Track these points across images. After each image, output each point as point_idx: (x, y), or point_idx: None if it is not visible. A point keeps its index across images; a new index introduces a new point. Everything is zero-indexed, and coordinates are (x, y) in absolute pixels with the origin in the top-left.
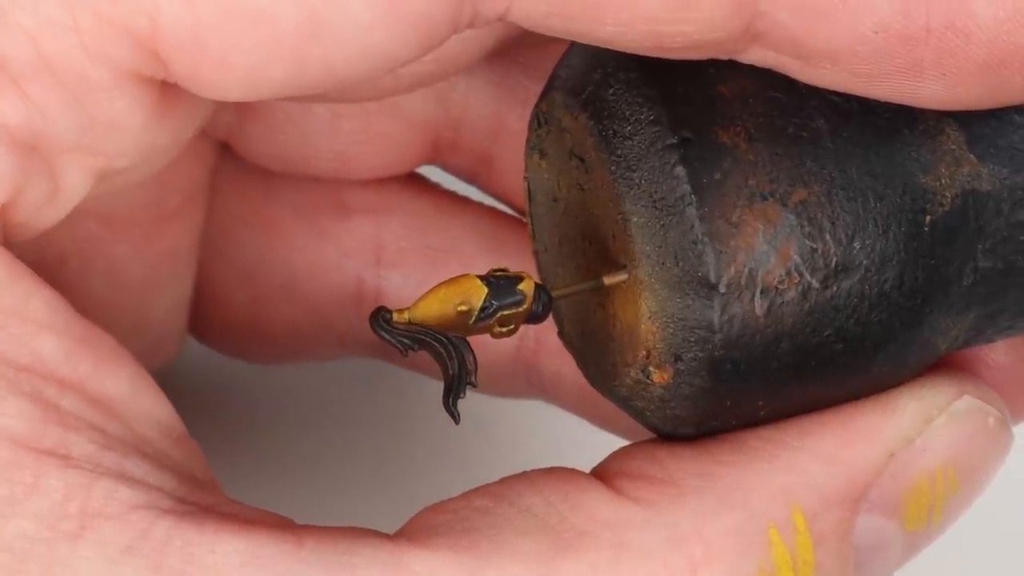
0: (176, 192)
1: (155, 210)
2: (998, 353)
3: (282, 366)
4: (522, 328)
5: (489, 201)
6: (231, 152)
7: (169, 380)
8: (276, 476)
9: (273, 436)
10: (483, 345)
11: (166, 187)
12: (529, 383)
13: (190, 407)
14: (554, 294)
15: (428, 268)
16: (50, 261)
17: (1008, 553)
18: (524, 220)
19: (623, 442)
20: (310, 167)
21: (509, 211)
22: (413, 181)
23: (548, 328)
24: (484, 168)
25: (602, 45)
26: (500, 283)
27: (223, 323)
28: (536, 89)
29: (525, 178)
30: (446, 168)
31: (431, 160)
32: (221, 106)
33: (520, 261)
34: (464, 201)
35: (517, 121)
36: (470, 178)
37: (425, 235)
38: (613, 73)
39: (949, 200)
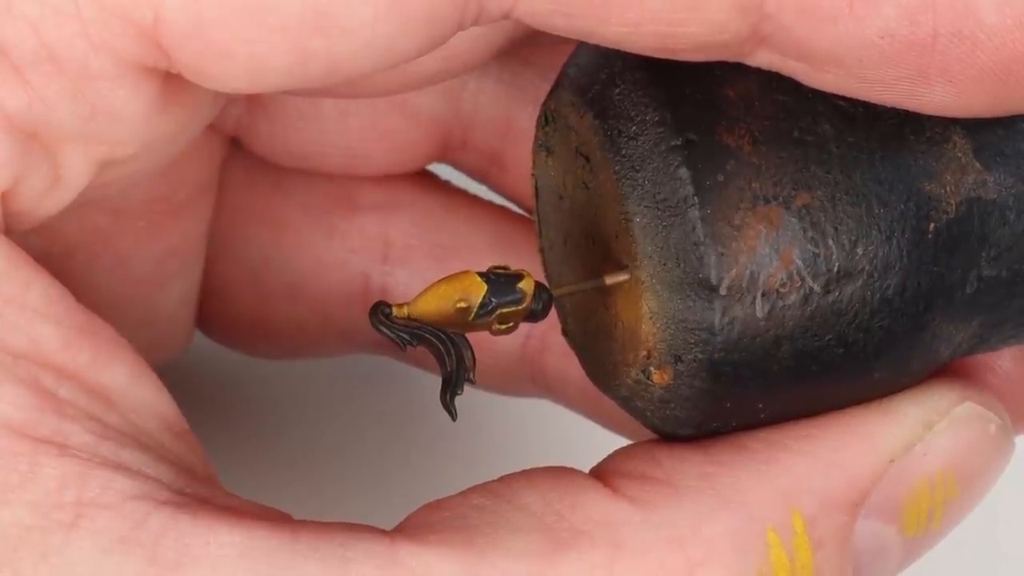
0: (185, 186)
1: (163, 204)
2: (1004, 361)
3: (285, 361)
4: (527, 327)
5: (499, 200)
6: (240, 147)
7: (172, 373)
8: (276, 471)
9: (274, 431)
10: (488, 343)
11: (175, 181)
12: (534, 382)
13: (192, 400)
14: (554, 293)
15: (435, 266)
16: (58, 254)
17: (1007, 558)
18: (532, 219)
19: (624, 441)
20: (319, 163)
21: (518, 210)
22: (422, 179)
23: (554, 327)
24: (494, 167)
25: (608, 45)
26: (500, 280)
27: (229, 318)
28: (547, 89)
29: (532, 175)
30: (456, 166)
31: (441, 158)
32: (231, 101)
33: (528, 260)
34: (473, 199)
35: (527, 121)
36: (480, 177)
37: (433, 233)
38: (620, 73)
39: (954, 207)
